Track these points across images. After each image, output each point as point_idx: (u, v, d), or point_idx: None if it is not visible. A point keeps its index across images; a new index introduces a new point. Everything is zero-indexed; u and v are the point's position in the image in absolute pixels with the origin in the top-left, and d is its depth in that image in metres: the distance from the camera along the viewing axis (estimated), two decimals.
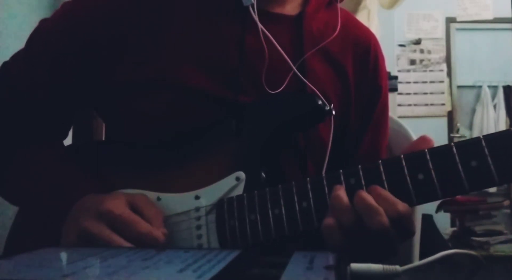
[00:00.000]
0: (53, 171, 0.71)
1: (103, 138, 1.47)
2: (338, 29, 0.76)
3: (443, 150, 0.53)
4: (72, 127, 0.86)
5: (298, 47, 0.73)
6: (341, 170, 0.58)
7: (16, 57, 0.78)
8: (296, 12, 0.76)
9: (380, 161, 0.56)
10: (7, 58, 0.78)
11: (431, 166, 0.53)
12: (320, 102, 0.67)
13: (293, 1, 0.76)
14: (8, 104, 0.75)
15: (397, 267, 0.48)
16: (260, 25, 0.69)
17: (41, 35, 0.76)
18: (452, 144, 0.53)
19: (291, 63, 0.70)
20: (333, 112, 0.69)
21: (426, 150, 0.54)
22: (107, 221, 0.59)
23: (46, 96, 0.74)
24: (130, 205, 0.62)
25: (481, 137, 0.51)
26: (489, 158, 0.51)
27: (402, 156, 0.55)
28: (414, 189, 0.54)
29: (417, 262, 0.49)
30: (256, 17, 0.69)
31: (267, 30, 0.70)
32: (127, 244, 0.58)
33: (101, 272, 0.39)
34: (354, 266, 0.47)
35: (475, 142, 0.52)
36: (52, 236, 0.64)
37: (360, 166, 0.57)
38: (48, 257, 0.43)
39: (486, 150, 0.51)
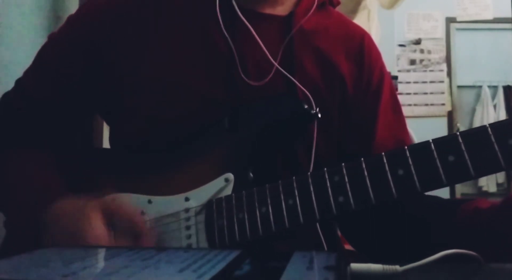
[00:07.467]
0: (33, 175, 0.72)
1: (103, 139, 1.47)
2: (330, 29, 0.78)
3: (421, 147, 0.55)
4: None
5: (288, 46, 0.74)
6: (325, 168, 0.59)
7: (28, 71, 0.81)
8: (287, 13, 0.77)
9: (362, 159, 0.58)
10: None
11: (410, 162, 0.55)
12: (306, 106, 0.68)
13: (284, 3, 0.77)
14: (23, 115, 0.78)
15: (397, 267, 0.48)
16: (245, 21, 0.70)
17: (48, 47, 0.81)
18: (430, 140, 0.55)
19: (271, 58, 0.71)
20: (319, 115, 0.69)
21: (406, 147, 0.56)
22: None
23: (56, 104, 0.77)
24: (106, 214, 0.61)
25: (458, 133, 0.53)
26: (465, 153, 0.52)
27: (383, 153, 0.57)
28: (395, 184, 0.55)
29: (417, 262, 0.49)
30: (239, 12, 0.71)
31: (258, 30, 0.71)
32: None
33: (101, 272, 0.39)
34: (354, 266, 0.47)
35: (452, 138, 0.53)
36: (29, 241, 0.63)
37: (343, 164, 0.58)
38: (48, 257, 0.44)
39: (462, 146, 0.52)
